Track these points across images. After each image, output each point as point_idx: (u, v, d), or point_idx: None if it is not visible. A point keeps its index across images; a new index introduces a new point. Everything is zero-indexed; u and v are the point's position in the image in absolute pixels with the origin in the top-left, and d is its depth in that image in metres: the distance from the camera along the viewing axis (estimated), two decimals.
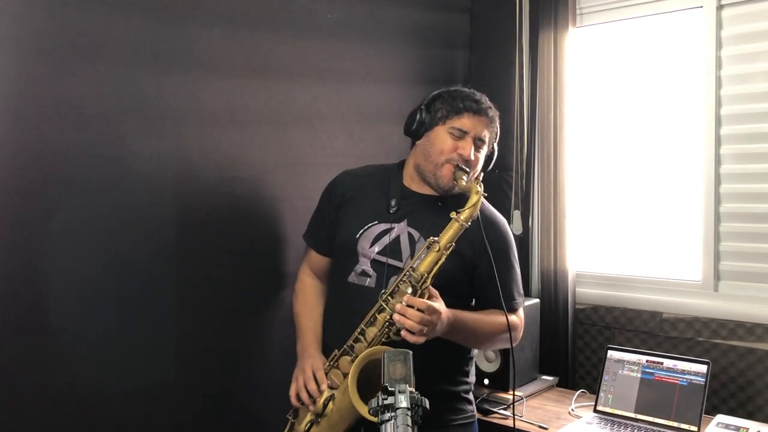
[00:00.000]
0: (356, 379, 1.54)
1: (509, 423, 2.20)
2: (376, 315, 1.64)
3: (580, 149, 2.73)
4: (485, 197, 1.73)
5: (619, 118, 2.71)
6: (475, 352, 1.93)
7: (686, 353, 2.39)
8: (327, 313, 1.88)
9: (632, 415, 2.19)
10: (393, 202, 1.80)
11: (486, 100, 1.80)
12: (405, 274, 1.63)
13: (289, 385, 1.76)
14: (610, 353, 2.31)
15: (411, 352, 1.26)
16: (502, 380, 2.44)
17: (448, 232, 1.64)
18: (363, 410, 1.49)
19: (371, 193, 1.84)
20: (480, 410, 2.16)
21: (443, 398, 1.79)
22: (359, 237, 1.78)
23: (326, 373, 1.70)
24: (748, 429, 2.04)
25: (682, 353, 2.38)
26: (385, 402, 1.17)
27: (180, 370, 1.91)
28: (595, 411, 2.26)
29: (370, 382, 1.51)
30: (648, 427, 2.14)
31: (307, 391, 1.69)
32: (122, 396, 1.79)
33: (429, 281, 1.62)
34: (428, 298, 1.61)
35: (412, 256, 1.71)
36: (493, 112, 1.80)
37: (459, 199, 1.72)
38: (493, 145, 1.83)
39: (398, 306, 1.56)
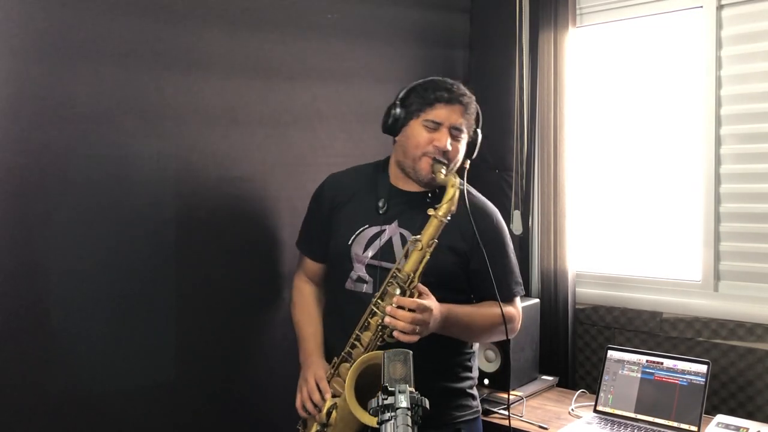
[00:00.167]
0: (353, 386, 1.53)
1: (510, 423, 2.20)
2: (369, 319, 1.63)
3: (580, 149, 2.73)
4: (475, 189, 1.69)
5: (619, 118, 2.71)
6: (476, 346, 1.91)
7: (686, 353, 2.39)
8: (327, 321, 1.87)
9: (632, 415, 2.19)
10: (381, 203, 1.78)
11: (459, 88, 1.76)
12: (391, 276, 1.62)
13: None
14: (610, 353, 2.31)
15: (411, 352, 1.26)
16: (502, 380, 2.44)
17: (429, 230, 1.62)
18: (363, 417, 1.49)
19: (360, 196, 1.83)
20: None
21: (449, 396, 1.80)
22: (352, 243, 1.77)
23: (329, 381, 1.69)
24: (748, 429, 2.04)
25: (682, 353, 2.38)
26: (385, 402, 1.16)
27: (180, 370, 1.91)
28: (595, 411, 2.26)
29: (371, 388, 1.50)
30: (648, 427, 2.14)
31: (312, 402, 1.68)
32: (122, 396, 1.79)
33: (416, 280, 1.60)
34: (419, 296, 1.60)
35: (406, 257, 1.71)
36: (468, 99, 1.75)
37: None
38: (476, 131, 1.80)
39: (388, 308, 1.56)
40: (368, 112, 2.38)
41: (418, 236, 1.62)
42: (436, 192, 1.76)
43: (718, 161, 2.42)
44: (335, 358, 1.70)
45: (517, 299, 1.87)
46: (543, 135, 2.74)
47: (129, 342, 1.80)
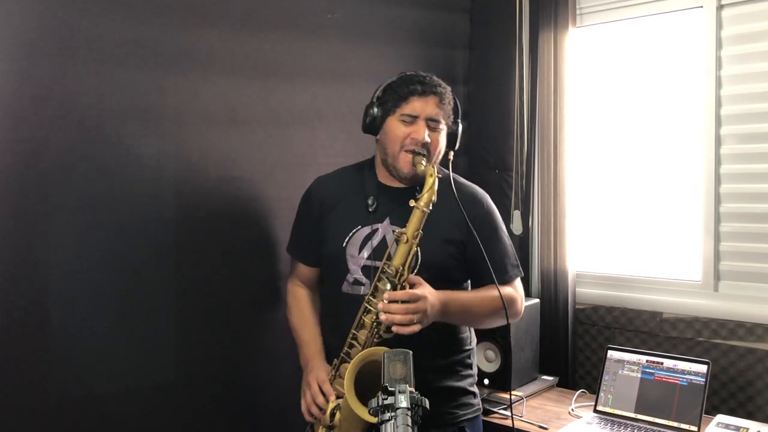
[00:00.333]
0: (353, 384, 1.53)
1: (510, 423, 2.20)
2: (363, 318, 1.63)
3: (580, 149, 2.73)
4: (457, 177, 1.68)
5: (619, 118, 2.71)
6: (475, 343, 1.91)
7: (686, 353, 2.39)
8: (327, 326, 1.87)
9: (632, 415, 2.19)
10: (370, 201, 1.79)
11: (433, 79, 1.76)
12: (381, 272, 1.62)
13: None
14: (610, 353, 2.31)
15: (411, 352, 1.26)
16: (502, 380, 2.44)
17: (413, 221, 1.61)
18: (364, 414, 1.49)
19: (349, 198, 1.83)
20: None
21: (451, 395, 1.80)
22: (346, 245, 1.77)
23: (331, 383, 1.69)
24: (748, 429, 2.04)
25: (682, 353, 2.38)
26: (385, 402, 1.16)
27: (180, 370, 1.91)
28: (595, 411, 2.26)
29: (373, 386, 1.50)
30: (648, 427, 2.14)
31: (317, 405, 1.68)
32: (122, 396, 1.79)
33: (406, 273, 1.61)
34: (411, 287, 1.60)
35: None
36: (442, 89, 1.75)
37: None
38: (456, 121, 1.80)
39: (380, 305, 1.56)
40: None
41: (403, 229, 1.62)
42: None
43: (718, 161, 2.42)
44: (335, 360, 1.70)
45: (517, 281, 1.86)
46: (543, 135, 2.74)
47: (129, 342, 1.80)
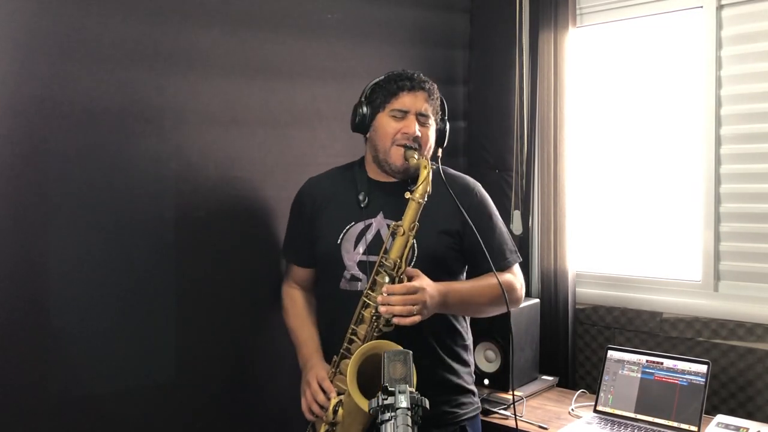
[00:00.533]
0: (355, 378, 1.53)
1: (509, 423, 2.20)
2: (362, 312, 1.64)
3: (580, 149, 2.73)
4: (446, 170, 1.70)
5: (619, 118, 2.71)
6: (470, 339, 1.91)
7: (686, 353, 2.39)
8: (324, 324, 1.87)
9: (632, 415, 2.19)
10: (362, 196, 1.80)
11: (420, 76, 1.79)
12: (378, 265, 1.63)
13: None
14: (610, 353, 2.31)
15: (411, 352, 1.26)
16: (502, 380, 2.44)
17: (408, 213, 1.63)
18: (366, 407, 1.49)
19: (341, 196, 1.84)
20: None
21: (450, 393, 1.80)
22: (341, 242, 1.78)
23: (331, 380, 1.69)
24: (748, 429, 2.04)
25: (682, 353, 2.38)
26: (385, 402, 1.17)
27: (180, 370, 1.91)
28: (595, 411, 2.26)
29: (375, 379, 1.50)
30: (648, 427, 2.14)
31: (318, 403, 1.68)
32: (122, 396, 1.79)
33: (404, 265, 1.61)
34: (408, 280, 1.60)
35: None
36: (430, 85, 1.78)
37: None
38: (443, 119, 1.83)
39: (379, 298, 1.57)
40: None
41: (399, 222, 1.63)
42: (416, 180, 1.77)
43: (718, 161, 2.42)
44: (335, 357, 1.71)
45: (516, 267, 1.86)
46: (543, 135, 2.74)
47: (129, 342, 1.80)
